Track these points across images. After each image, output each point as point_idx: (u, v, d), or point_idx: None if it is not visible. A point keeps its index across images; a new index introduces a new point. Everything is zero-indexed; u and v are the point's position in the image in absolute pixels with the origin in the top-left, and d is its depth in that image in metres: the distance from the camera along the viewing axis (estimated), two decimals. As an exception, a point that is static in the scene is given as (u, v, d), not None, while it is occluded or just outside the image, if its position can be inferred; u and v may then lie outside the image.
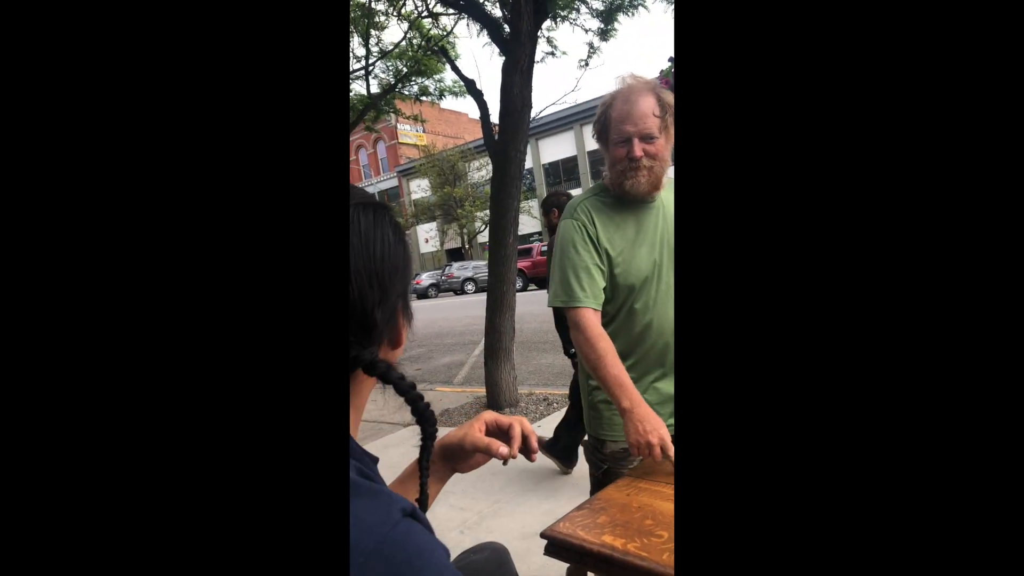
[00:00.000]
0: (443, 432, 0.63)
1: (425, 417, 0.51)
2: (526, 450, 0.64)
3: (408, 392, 0.48)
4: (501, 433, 0.64)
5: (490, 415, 0.66)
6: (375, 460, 0.49)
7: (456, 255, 24.82)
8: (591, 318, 1.16)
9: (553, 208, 2.73)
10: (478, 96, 4.14)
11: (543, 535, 0.92)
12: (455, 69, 4.80)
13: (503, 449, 0.62)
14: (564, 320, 2.38)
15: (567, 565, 0.95)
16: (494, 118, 3.82)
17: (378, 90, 7.24)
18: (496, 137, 3.66)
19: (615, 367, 1.10)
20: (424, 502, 0.54)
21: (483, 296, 3.86)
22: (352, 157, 29.89)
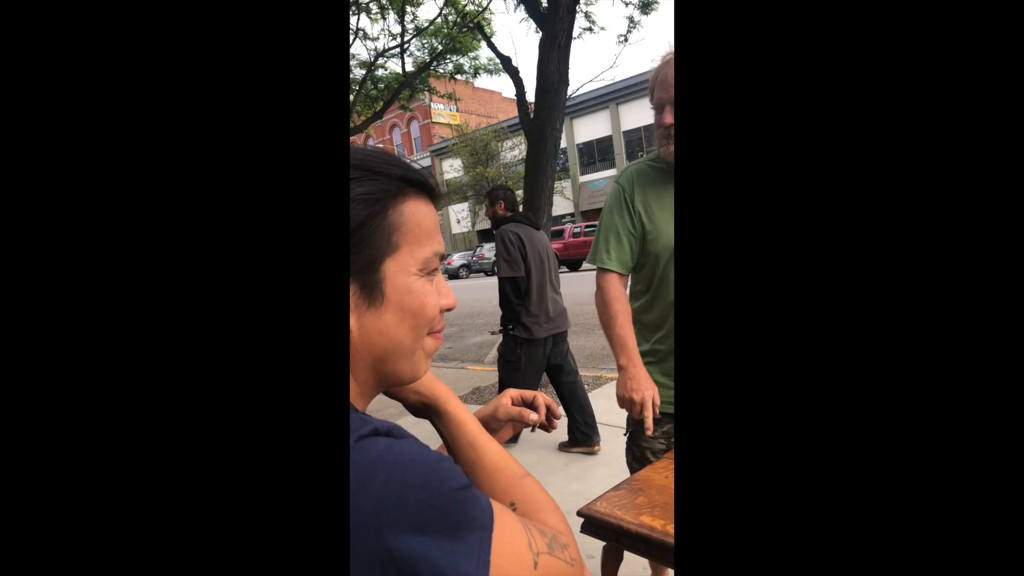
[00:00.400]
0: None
1: None
2: (550, 417, 0.71)
3: None
4: (526, 404, 0.71)
5: (514, 391, 0.73)
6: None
7: (488, 236, 24.85)
8: (612, 281, 1.22)
9: (499, 200, 2.69)
10: (514, 73, 4.08)
11: (580, 513, 0.92)
12: (491, 46, 4.74)
13: (533, 416, 0.69)
14: (505, 293, 2.42)
15: (602, 544, 0.95)
16: (530, 96, 3.77)
17: (413, 68, 7.22)
18: (531, 115, 3.61)
19: (623, 328, 1.18)
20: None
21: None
22: (386, 136, 30.08)
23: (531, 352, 2.50)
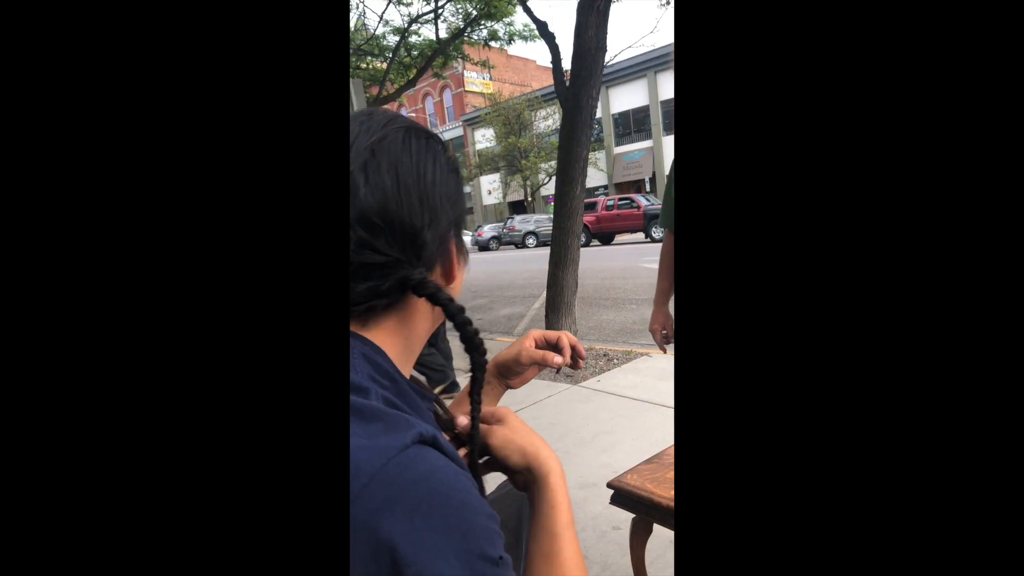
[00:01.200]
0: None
1: (475, 345, 0.48)
2: (575, 358, 0.68)
3: (457, 316, 0.45)
4: (550, 346, 0.68)
5: (538, 332, 0.69)
6: (429, 395, 0.48)
7: (518, 208, 24.69)
8: (667, 239, 1.49)
9: None
10: (550, 39, 3.97)
11: (610, 485, 0.93)
12: (527, 10, 4.61)
13: (557, 359, 0.65)
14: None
15: (631, 516, 0.95)
16: (566, 63, 3.66)
17: (447, 35, 7.11)
18: (567, 82, 3.51)
19: (663, 281, 1.49)
20: (475, 435, 0.53)
21: (543, 251, 3.85)
22: (418, 105, 29.92)
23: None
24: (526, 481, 0.51)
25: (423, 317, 0.47)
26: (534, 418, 2.64)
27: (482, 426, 0.52)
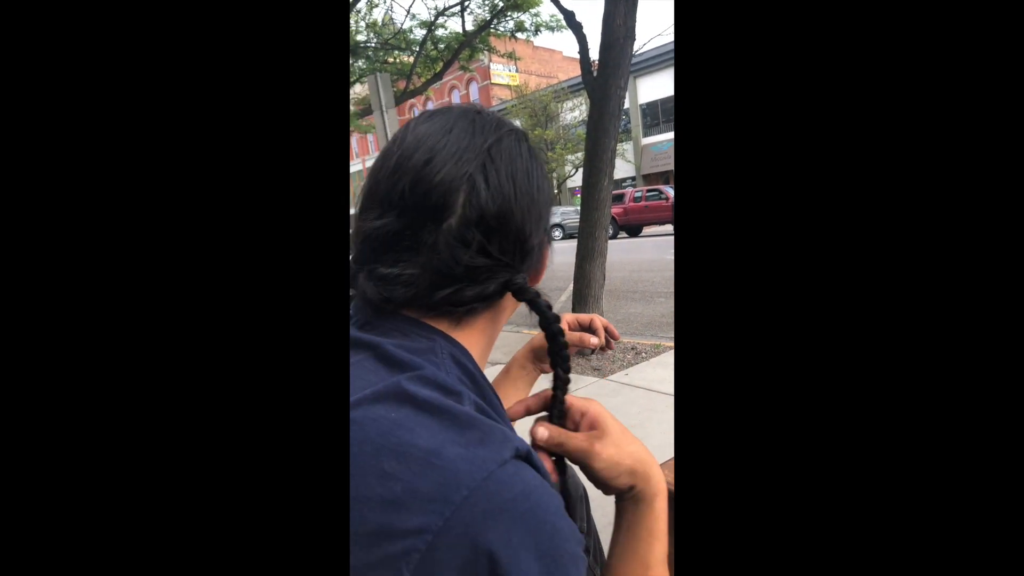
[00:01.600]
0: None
1: (562, 358, 0.46)
2: (608, 339, 0.68)
3: (551, 325, 0.45)
4: (583, 328, 0.69)
5: (570, 316, 0.70)
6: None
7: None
8: None
9: None
10: (577, 28, 3.92)
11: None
12: (554, 0, 4.56)
13: (593, 340, 0.66)
14: None
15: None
16: (593, 53, 3.61)
17: (473, 27, 7.10)
18: (595, 72, 3.47)
19: None
20: (561, 449, 0.52)
21: (570, 244, 3.84)
22: (444, 98, 30.03)
23: None
24: (623, 496, 0.46)
25: (504, 318, 0.47)
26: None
27: (579, 441, 0.45)
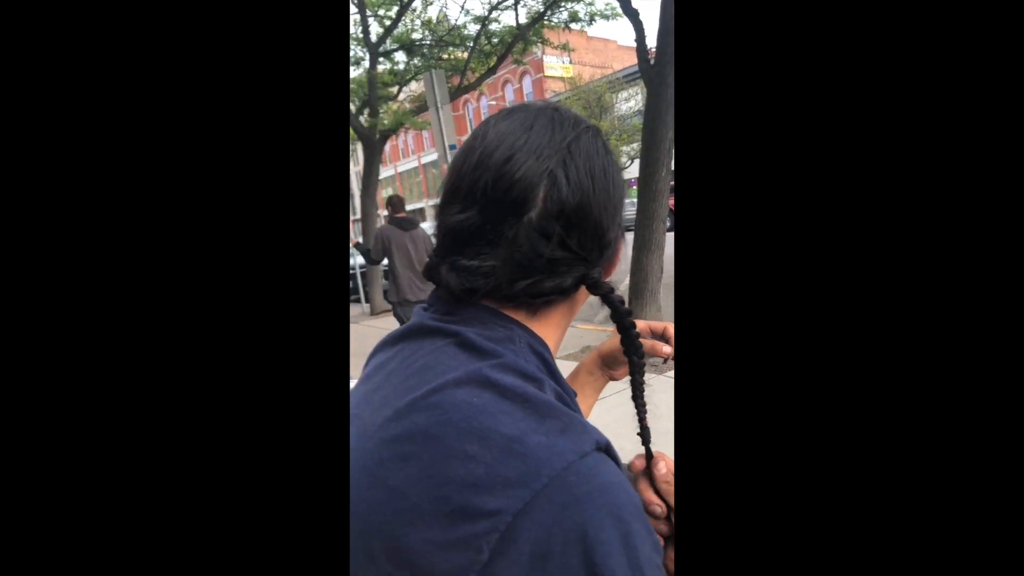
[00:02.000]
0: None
1: (636, 347, 0.48)
2: None
3: (623, 318, 0.46)
4: (655, 336, 0.67)
5: (642, 323, 0.68)
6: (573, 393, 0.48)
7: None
8: None
9: (389, 205, 3.85)
10: (633, 16, 3.82)
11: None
12: (609, -12, 4.46)
13: (666, 348, 0.64)
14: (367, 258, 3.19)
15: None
16: (650, 42, 3.52)
17: (526, 19, 7.07)
18: (652, 61, 3.38)
19: None
20: (647, 436, 0.51)
21: (627, 236, 3.79)
22: (498, 93, 30.12)
23: (395, 310, 3.94)
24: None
25: (576, 311, 0.48)
26: (617, 406, 2.60)
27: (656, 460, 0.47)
